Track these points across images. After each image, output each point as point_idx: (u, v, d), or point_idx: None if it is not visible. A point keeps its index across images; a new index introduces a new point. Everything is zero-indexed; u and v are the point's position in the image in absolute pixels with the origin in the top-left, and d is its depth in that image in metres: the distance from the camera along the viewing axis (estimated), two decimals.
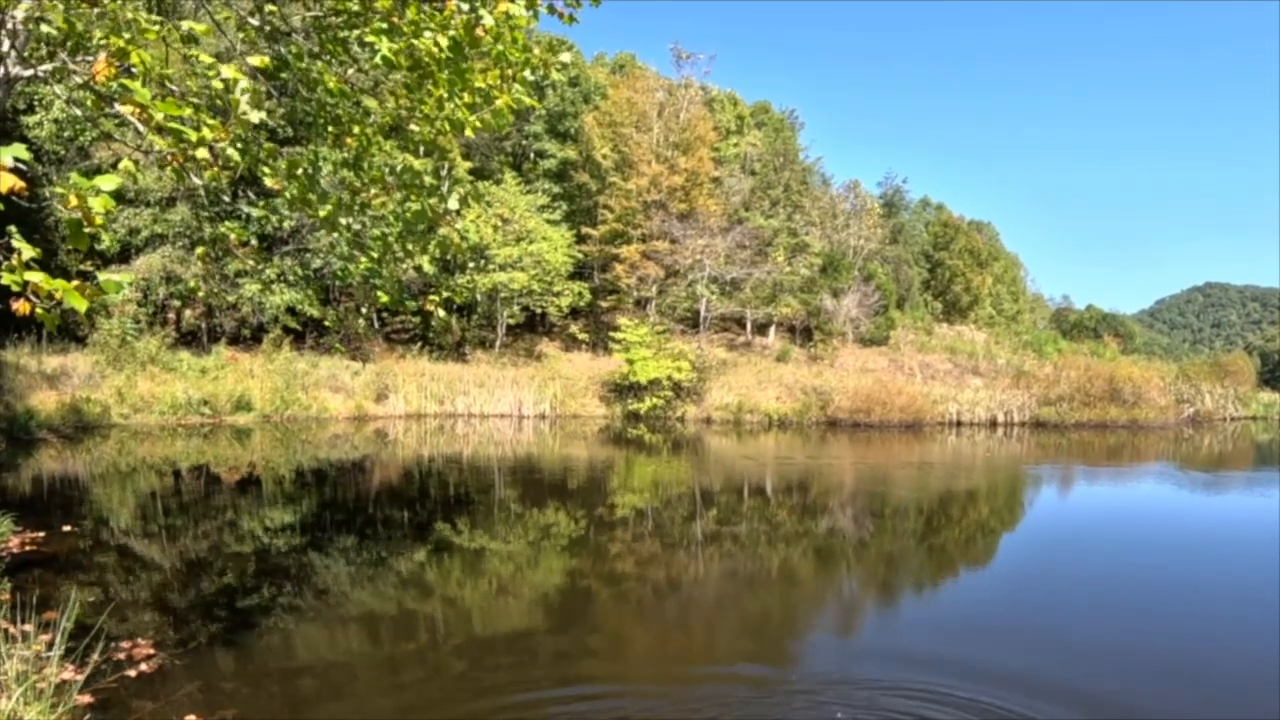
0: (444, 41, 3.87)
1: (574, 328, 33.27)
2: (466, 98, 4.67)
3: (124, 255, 24.78)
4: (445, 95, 4.27)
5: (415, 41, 3.99)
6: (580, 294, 31.53)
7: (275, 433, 21.00)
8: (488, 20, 3.85)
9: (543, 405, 27.34)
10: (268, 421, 22.77)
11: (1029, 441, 22.95)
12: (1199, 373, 29.99)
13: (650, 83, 32.70)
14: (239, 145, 4.09)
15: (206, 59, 3.76)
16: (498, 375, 28.07)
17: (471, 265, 28.72)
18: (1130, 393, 25.39)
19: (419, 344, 30.23)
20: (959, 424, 25.56)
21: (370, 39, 3.96)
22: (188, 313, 27.34)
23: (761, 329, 32.51)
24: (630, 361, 27.11)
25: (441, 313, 5.88)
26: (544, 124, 34.39)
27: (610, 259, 32.08)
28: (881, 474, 16.46)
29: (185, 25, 3.76)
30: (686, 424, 26.69)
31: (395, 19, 3.93)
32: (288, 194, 4.46)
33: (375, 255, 5.12)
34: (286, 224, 26.78)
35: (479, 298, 29.86)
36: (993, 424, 25.74)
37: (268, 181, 4.62)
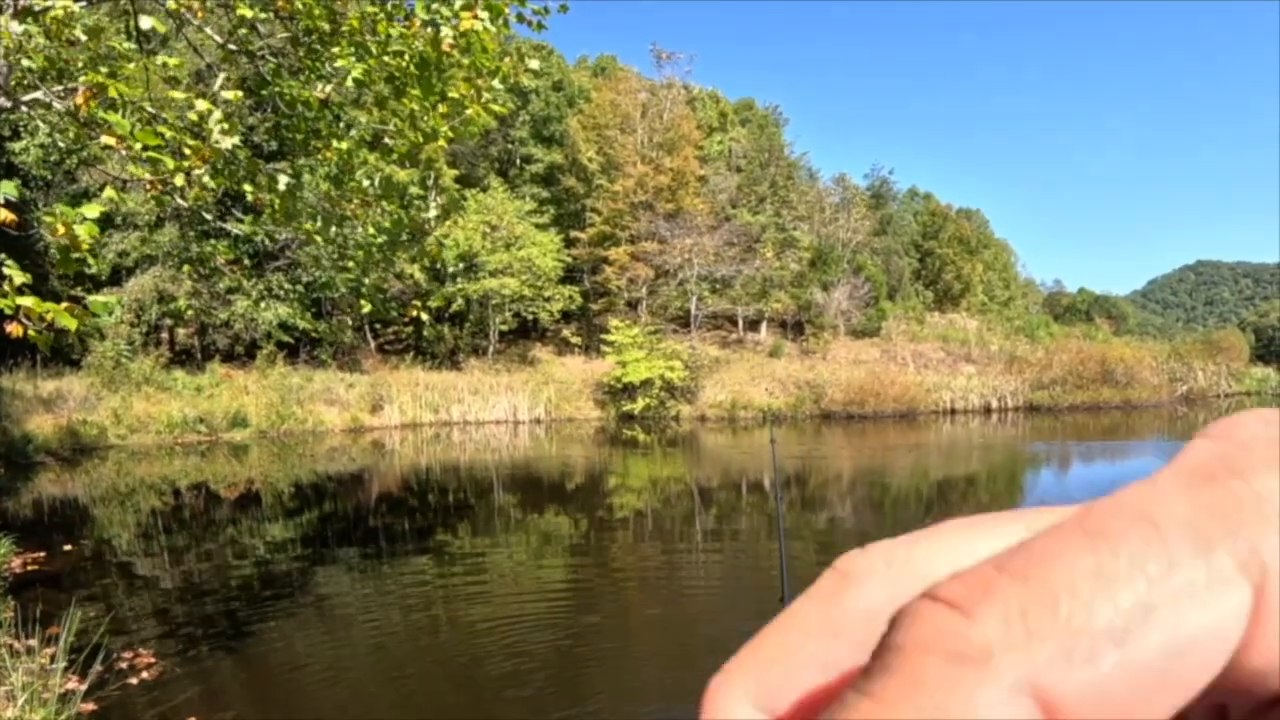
0: (411, 57, 4.01)
1: (566, 332, 33.40)
2: (443, 108, 4.81)
3: (115, 278, 24.84)
4: (417, 109, 4.40)
5: (386, 59, 4.13)
6: (571, 298, 31.67)
7: (272, 448, 21.09)
8: (448, 35, 3.98)
9: (537, 410, 27.46)
10: (264, 437, 22.85)
11: (1024, 425, 23.15)
12: (1191, 351, 30.18)
13: (633, 84, 32.87)
14: (219, 164, 4.22)
15: (180, 96, 3.89)
16: (492, 382, 28.19)
17: (462, 267, 28.87)
18: (1122, 374, 25.61)
19: (412, 354, 30.33)
20: (953, 411, 25.76)
21: (341, 63, 4.10)
22: (181, 332, 27.41)
23: (753, 325, 32.69)
24: (622, 363, 27.25)
25: (425, 316, 6.04)
26: (529, 129, 34.53)
27: (600, 261, 32.23)
28: (879, 462, 16.63)
29: (160, 60, 3.90)
30: (681, 423, 26.83)
31: (364, 38, 4.07)
32: (268, 211, 4.60)
33: (357, 265, 5.26)
34: (278, 238, 26.93)
35: (471, 305, 29.98)
36: (986, 410, 25.94)
37: (250, 198, 4.75)
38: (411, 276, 30.32)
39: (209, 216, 5.01)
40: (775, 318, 31.92)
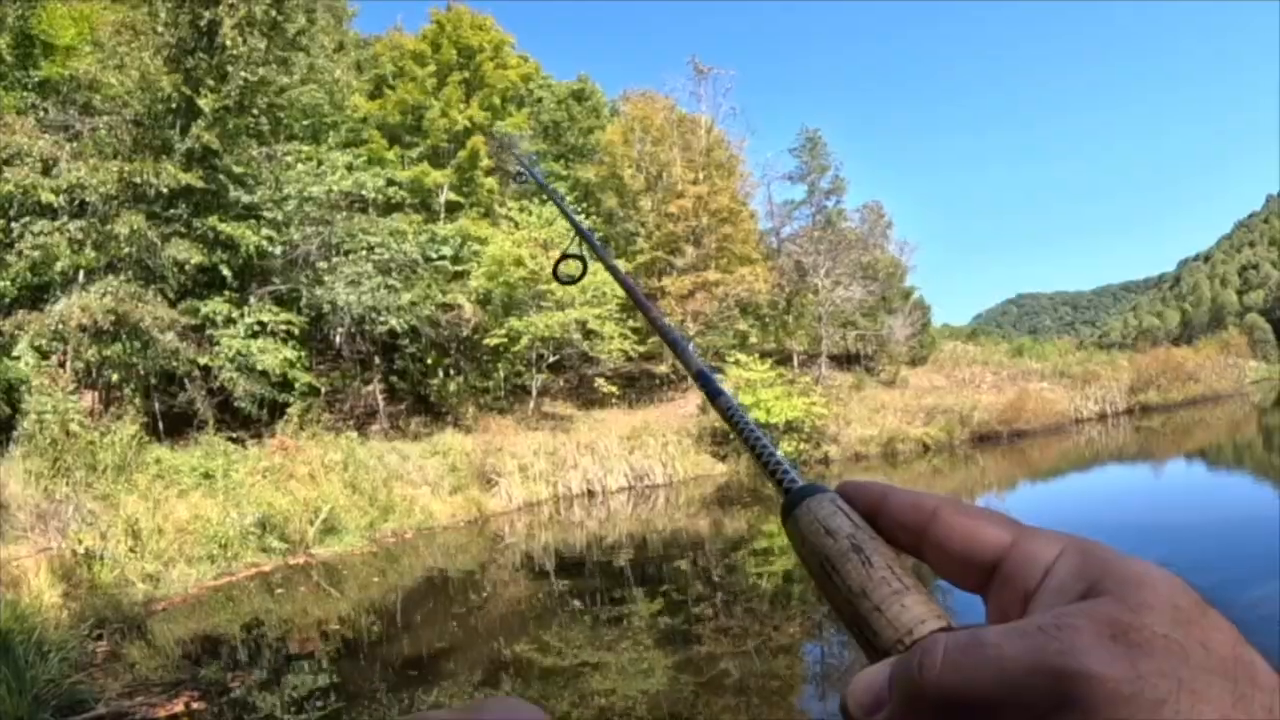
0: None
1: (600, 382, 27.05)
2: None
3: (37, 296, 13.87)
4: None
5: None
6: (624, 335, 25.84)
7: (399, 567, 12.74)
8: None
9: (670, 470, 21.17)
10: (375, 547, 13.83)
11: (1168, 420, 24.03)
12: (1214, 349, 33.45)
13: (673, 112, 28.85)
14: None
15: None
16: (582, 438, 21.22)
17: (544, 305, 22.15)
18: (1193, 371, 27.74)
19: (471, 406, 22.10)
20: (1078, 421, 25.38)
21: None
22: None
23: (807, 361, 29.55)
24: (758, 402, 22.40)
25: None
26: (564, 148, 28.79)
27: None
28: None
29: None
30: (831, 465, 22.61)
31: None
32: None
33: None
34: (272, 250, 17.78)
35: (533, 343, 22.78)
36: (1102, 416, 26.00)
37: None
38: (458, 306, 22.38)
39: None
40: (833, 353, 29.26)
